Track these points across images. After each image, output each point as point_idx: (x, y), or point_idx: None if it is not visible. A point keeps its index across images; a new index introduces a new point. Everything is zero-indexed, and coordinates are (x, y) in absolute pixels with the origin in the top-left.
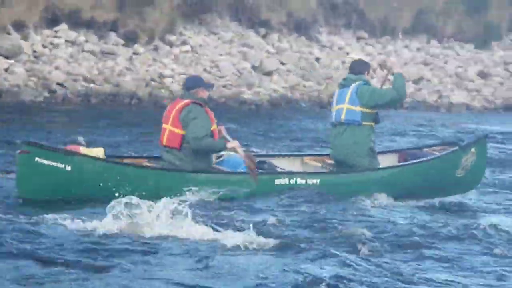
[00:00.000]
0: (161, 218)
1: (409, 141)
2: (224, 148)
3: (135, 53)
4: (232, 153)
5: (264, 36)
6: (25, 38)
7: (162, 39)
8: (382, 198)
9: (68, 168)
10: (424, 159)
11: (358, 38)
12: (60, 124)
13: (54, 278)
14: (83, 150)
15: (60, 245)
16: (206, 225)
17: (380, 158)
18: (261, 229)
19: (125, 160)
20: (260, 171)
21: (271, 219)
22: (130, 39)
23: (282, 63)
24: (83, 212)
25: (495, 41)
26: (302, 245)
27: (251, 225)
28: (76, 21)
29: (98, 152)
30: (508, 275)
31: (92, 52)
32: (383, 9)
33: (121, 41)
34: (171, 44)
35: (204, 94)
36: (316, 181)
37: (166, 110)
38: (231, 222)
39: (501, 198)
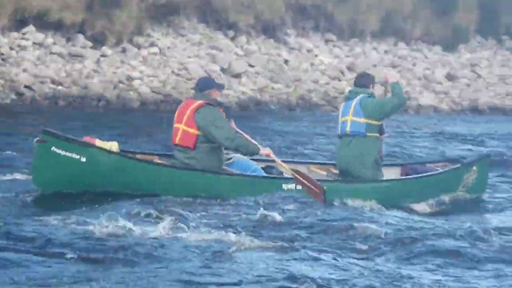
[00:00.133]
0: (166, 217)
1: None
2: (257, 152)
3: (103, 55)
4: (239, 155)
5: (232, 39)
6: None
7: (130, 41)
8: (383, 209)
9: (83, 159)
10: (427, 174)
11: (327, 41)
12: (28, 127)
13: (52, 273)
14: (98, 142)
15: (60, 241)
16: (210, 225)
17: (383, 171)
18: (263, 231)
19: (137, 156)
20: (268, 175)
21: (274, 221)
22: (98, 41)
23: (251, 66)
24: (92, 208)
25: (463, 44)
26: (301, 248)
27: (254, 227)
28: (44, 23)
29: (112, 145)
30: (503, 277)
31: (59, 54)
32: (351, 11)
33: (89, 43)
34: (139, 46)
35: (216, 94)
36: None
37: (178, 109)
38: (235, 223)
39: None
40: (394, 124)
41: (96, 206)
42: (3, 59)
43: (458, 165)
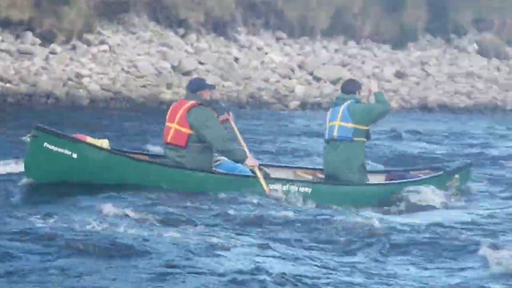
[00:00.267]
0: (150, 213)
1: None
2: (243, 161)
3: (52, 53)
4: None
5: (182, 36)
6: None
7: (80, 38)
8: (368, 211)
9: (74, 155)
10: (411, 180)
11: (277, 39)
12: None
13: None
14: (89, 139)
15: (45, 233)
16: (196, 223)
17: (369, 177)
18: (246, 229)
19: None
20: (252, 175)
21: (257, 220)
22: (46, 39)
23: (201, 63)
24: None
25: (412, 42)
26: (282, 245)
27: (237, 225)
28: None
29: (103, 142)
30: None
31: (8, 52)
32: (301, 8)
33: (38, 41)
34: (89, 44)
35: (207, 95)
36: (308, 189)
37: (170, 109)
38: (219, 221)
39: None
40: None
41: (83, 200)
42: None
43: (441, 172)
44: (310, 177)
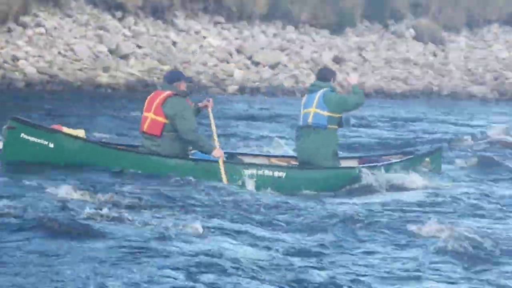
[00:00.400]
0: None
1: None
2: (210, 152)
3: None
4: None
5: (120, 19)
6: None
7: (16, 20)
8: (342, 193)
9: (51, 145)
10: (381, 163)
11: (215, 23)
12: None
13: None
14: (65, 129)
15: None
16: (173, 210)
17: (342, 162)
18: (219, 214)
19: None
20: (231, 161)
21: (236, 207)
22: None
23: (139, 47)
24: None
25: (350, 27)
26: (252, 229)
27: (209, 209)
28: None
29: (79, 132)
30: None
31: None
32: None
33: None
34: (25, 26)
35: (183, 86)
36: (282, 174)
37: (147, 100)
38: (196, 209)
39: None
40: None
41: (49, 182)
42: None
43: (411, 156)
44: (284, 165)
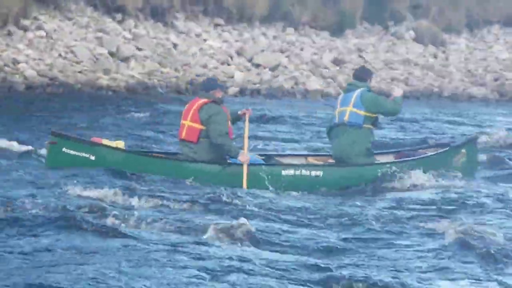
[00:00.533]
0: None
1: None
2: (236, 156)
3: None
4: None
5: (120, 22)
6: None
7: (16, 23)
8: (378, 189)
9: (92, 158)
10: (417, 157)
11: (216, 25)
12: None
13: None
14: (105, 141)
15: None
16: (210, 211)
17: (379, 157)
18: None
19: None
20: (269, 163)
21: (272, 209)
22: None
23: (139, 49)
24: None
25: (350, 29)
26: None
27: (253, 214)
28: None
29: (119, 144)
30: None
31: None
32: None
33: None
34: (25, 29)
35: (219, 94)
36: (319, 172)
37: (185, 108)
38: (226, 211)
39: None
40: (282, 108)
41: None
42: None
43: (447, 148)
44: (320, 163)
